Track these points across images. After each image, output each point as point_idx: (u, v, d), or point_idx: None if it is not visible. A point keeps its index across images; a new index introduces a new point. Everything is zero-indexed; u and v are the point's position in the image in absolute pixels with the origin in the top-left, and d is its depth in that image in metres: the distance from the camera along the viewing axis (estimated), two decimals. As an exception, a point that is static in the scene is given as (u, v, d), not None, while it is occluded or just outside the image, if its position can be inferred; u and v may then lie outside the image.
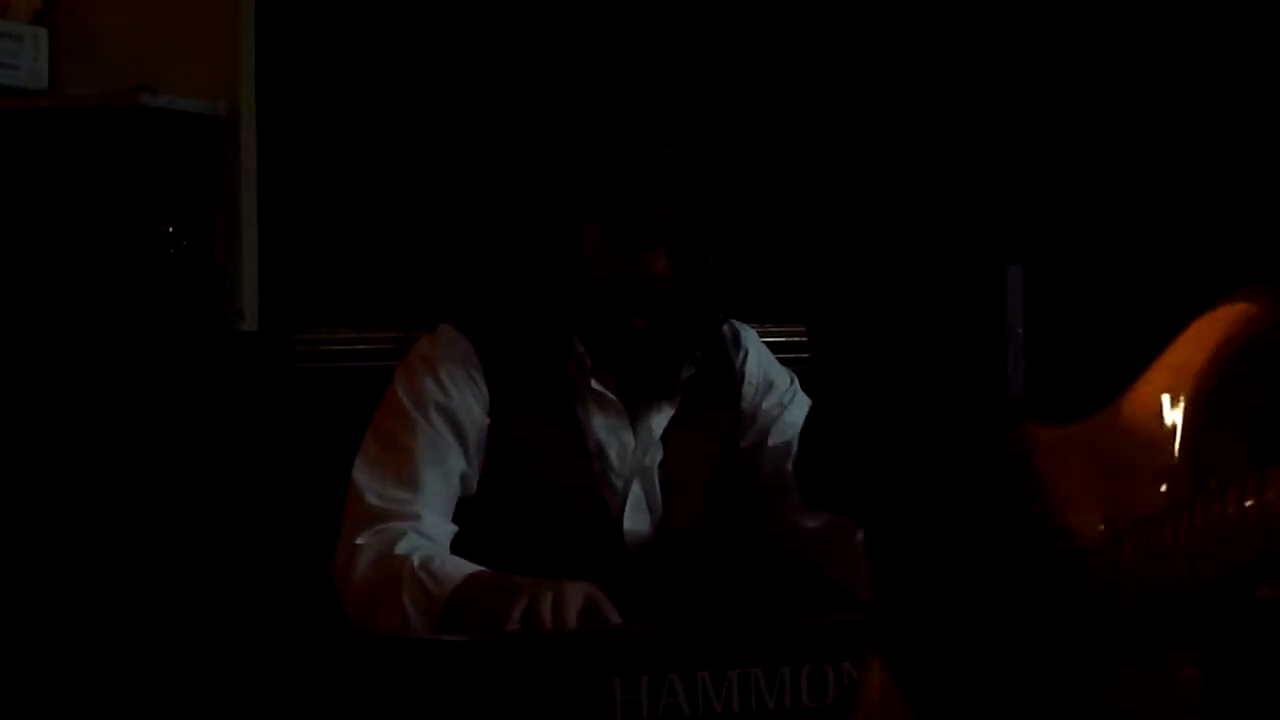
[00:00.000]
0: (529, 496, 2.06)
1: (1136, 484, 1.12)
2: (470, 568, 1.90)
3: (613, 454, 2.09)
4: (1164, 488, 1.11)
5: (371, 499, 2.00)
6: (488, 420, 2.07)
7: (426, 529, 1.98)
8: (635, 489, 2.10)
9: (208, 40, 3.18)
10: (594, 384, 2.09)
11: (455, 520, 2.04)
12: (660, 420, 2.13)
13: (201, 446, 2.91)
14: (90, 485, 2.91)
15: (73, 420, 2.92)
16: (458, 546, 2.01)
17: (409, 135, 3.23)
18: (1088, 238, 1.30)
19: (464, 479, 2.05)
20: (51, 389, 2.94)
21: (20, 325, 2.97)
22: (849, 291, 1.40)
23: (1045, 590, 1.15)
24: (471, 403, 2.06)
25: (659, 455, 2.12)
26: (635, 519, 2.09)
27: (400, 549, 1.93)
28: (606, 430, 2.10)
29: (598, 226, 2.06)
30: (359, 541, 1.96)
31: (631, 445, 2.10)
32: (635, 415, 2.12)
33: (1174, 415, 1.12)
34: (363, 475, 2.03)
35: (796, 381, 2.25)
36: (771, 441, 2.18)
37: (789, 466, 2.15)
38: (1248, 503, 1.03)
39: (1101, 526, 1.14)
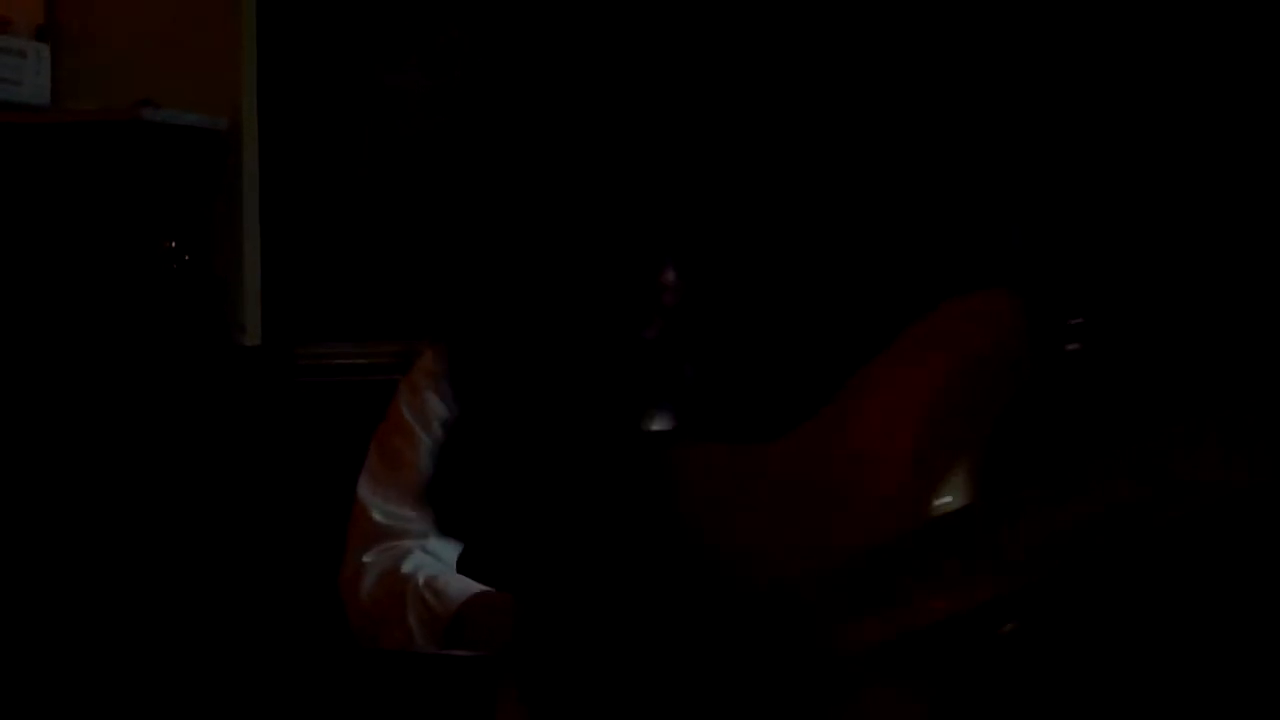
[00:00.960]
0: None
1: (855, 509, 0.99)
2: (475, 587, 1.91)
3: (617, 467, 2.10)
4: (890, 514, 0.98)
5: (377, 516, 2.00)
6: (492, 435, 2.07)
7: (432, 546, 1.98)
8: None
9: (209, 55, 3.18)
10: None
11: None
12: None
13: (204, 460, 2.91)
14: (94, 500, 2.91)
15: (75, 435, 2.93)
16: (463, 561, 2.02)
17: (410, 149, 3.24)
18: (773, 237, 1.18)
19: (468, 495, 2.06)
20: (54, 403, 2.95)
21: (22, 340, 2.97)
22: (486, 305, 1.25)
23: (721, 633, 1.01)
24: (475, 418, 2.07)
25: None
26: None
27: (406, 567, 1.93)
28: (611, 444, 2.10)
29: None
30: (365, 559, 1.97)
31: (635, 458, 2.11)
32: (640, 428, 2.12)
33: (901, 432, 0.99)
34: (367, 492, 2.03)
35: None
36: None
37: None
38: (981, 542, 0.93)
39: (807, 560, 0.99)
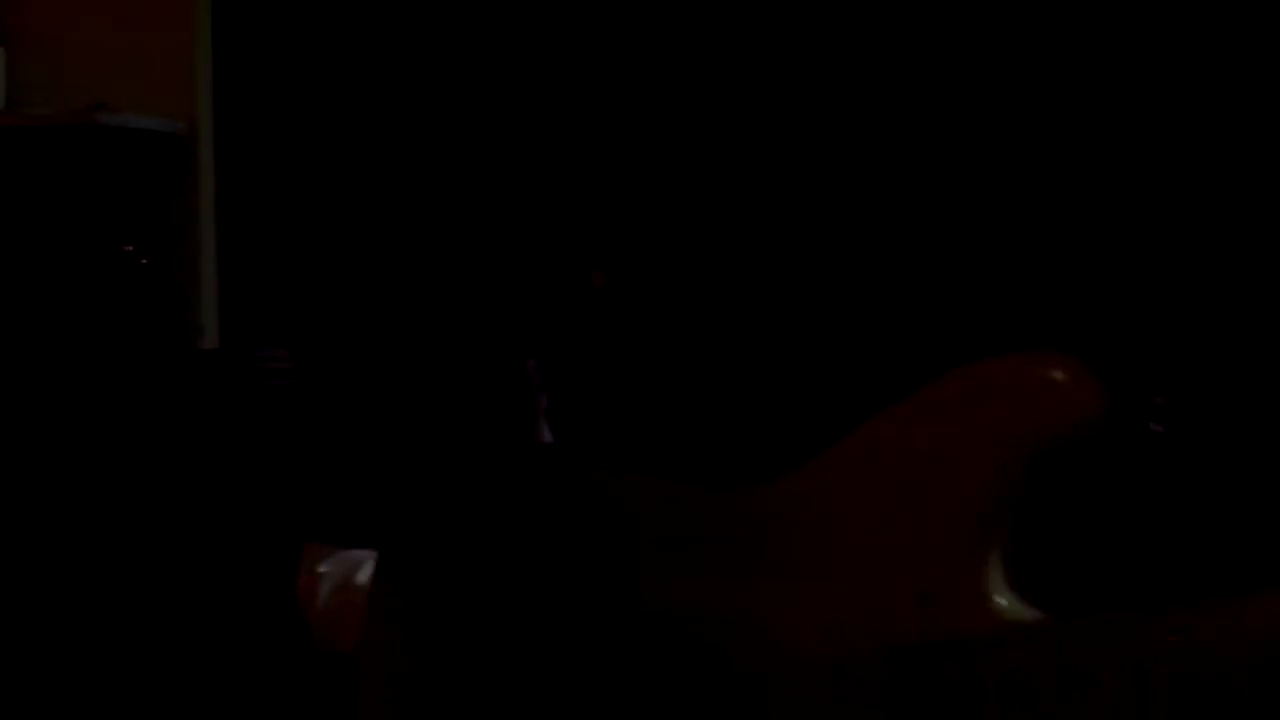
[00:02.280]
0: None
1: (863, 574, 0.79)
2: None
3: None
4: (896, 610, 0.77)
5: (333, 524, 2.01)
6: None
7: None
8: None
9: (166, 58, 3.18)
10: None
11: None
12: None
13: (162, 463, 2.91)
14: (49, 502, 2.91)
15: (30, 440, 2.92)
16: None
17: (368, 149, 3.24)
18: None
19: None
20: (8, 409, 2.94)
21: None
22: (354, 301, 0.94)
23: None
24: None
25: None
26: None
27: (360, 578, 1.94)
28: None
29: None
30: (321, 569, 1.98)
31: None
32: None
33: (920, 516, 0.78)
34: (324, 500, 2.04)
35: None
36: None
37: None
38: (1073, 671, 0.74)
39: (756, 637, 0.81)
